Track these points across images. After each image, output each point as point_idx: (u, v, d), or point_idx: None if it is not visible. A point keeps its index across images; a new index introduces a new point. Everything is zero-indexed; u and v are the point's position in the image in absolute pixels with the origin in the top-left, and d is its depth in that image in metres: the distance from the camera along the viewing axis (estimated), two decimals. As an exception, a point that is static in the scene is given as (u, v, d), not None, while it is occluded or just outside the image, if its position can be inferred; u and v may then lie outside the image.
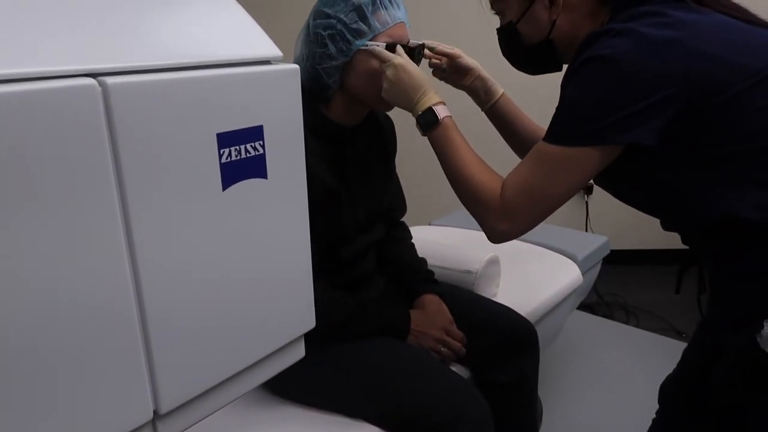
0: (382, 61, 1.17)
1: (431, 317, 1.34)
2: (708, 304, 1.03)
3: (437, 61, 1.33)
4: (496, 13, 1.14)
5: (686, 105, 0.85)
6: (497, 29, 1.15)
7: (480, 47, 2.84)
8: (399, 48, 1.17)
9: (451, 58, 1.32)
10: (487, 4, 1.16)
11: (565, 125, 0.92)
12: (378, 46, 1.17)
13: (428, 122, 1.09)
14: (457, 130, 1.10)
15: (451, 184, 1.09)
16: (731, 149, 0.86)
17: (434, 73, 1.34)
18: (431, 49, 1.31)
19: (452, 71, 1.34)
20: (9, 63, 0.43)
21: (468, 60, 1.32)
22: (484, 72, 1.34)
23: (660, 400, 1.21)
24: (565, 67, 1.02)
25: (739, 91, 0.84)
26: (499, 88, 1.35)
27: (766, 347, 0.87)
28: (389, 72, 1.14)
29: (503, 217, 0.98)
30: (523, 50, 1.11)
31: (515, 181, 0.97)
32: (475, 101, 1.39)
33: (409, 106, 1.13)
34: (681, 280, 1.13)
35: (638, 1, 0.93)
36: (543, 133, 0.97)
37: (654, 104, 0.85)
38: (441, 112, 1.10)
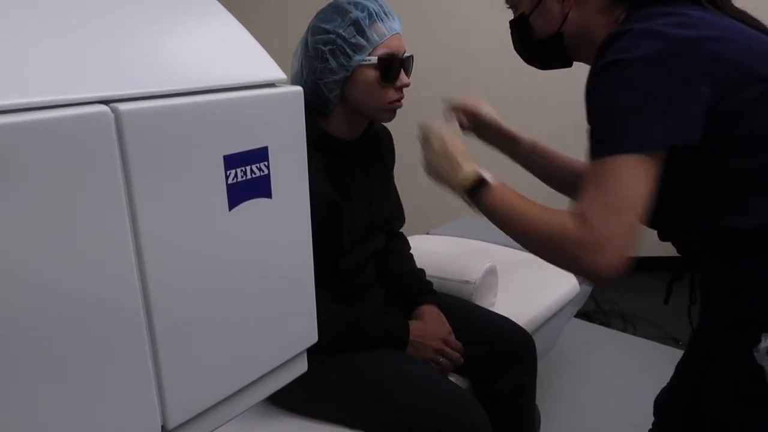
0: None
1: (430, 328, 1.35)
2: (700, 314, 1.04)
3: (462, 120, 1.35)
4: (510, 7, 1.14)
5: (708, 106, 0.84)
6: (510, 21, 1.14)
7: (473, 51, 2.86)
8: (434, 128, 1.18)
9: (471, 113, 1.34)
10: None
11: (603, 137, 0.89)
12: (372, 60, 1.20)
13: (477, 187, 1.04)
14: (507, 188, 1.03)
15: (526, 245, 1.00)
16: (744, 158, 0.86)
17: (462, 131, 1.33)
18: (448, 101, 1.32)
19: (475, 128, 1.35)
20: (24, 92, 0.45)
21: (488, 115, 1.34)
22: (505, 124, 1.34)
23: (655, 414, 1.21)
24: (584, 68, 1.00)
25: (752, 99, 0.84)
26: (525, 136, 1.34)
27: (763, 361, 0.86)
28: (427, 159, 1.17)
29: (599, 247, 0.86)
30: (534, 44, 1.10)
31: (590, 206, 0.87)
32: (505, 154, 1.37)
33: (451, 182, 1.11)
34: (671, 289, 1.14)
35: (654, 0, 0.92)
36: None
37: (685, 103, 0.84)
38: (488, 175, 1.05)
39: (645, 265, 1.14)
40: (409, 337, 1.32)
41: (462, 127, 1.33)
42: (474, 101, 1.35)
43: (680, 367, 1.16)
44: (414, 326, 1.34)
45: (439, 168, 1.12)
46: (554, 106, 2.97)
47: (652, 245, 1.00)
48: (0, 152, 0.42)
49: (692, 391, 1.07)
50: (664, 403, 1.19)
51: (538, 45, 1.09)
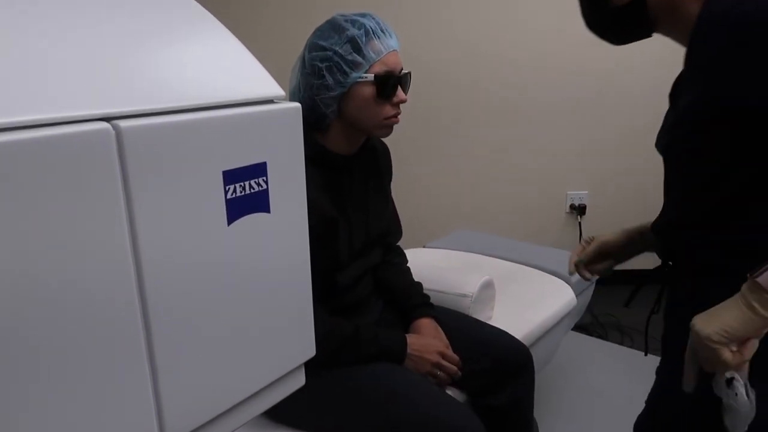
0: None
1: (427, 341, 1.36)
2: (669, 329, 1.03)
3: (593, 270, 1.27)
4: None
5: None
6: None
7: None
8: None
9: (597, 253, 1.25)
10: None
11: None
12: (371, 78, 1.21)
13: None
14: None
15: None
16: None
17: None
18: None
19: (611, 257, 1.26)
20: (26, 110, 0.46)
21: (603, 240, 1.24)
22: (612, 236, 1.24)
23: None
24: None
25: None
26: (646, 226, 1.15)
27: (721, 393, 0.83)
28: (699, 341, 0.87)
29: None
30: (610, 13, 0.99)
31: None
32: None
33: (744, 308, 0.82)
34: (660, 301, 1.13)
35: None
36: None
37: None
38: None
39: (643, 277, 1.14)
40: (407, 351, 1.32)
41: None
42: (591, 244, 1.25)
43: (653, 388, 1.15)
44: (411, 340, 1.34)
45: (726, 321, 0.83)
46: (552, 115, 2.99)
47: (650, 258, 1.01)
48: (2, 169, 0.43)
49: (666, 409, 1.06)
50: (642, 426, 1.17)
51: (614, 14, 0.98)
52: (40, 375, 0.48)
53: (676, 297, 1.01)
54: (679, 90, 0.98)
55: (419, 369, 1.32)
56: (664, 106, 1.03)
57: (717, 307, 0.84)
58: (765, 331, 0.81)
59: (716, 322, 0.82)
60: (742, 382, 0.84)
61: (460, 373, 1.36)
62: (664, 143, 0.96)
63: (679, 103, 0.93)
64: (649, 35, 0.99)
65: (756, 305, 0.79)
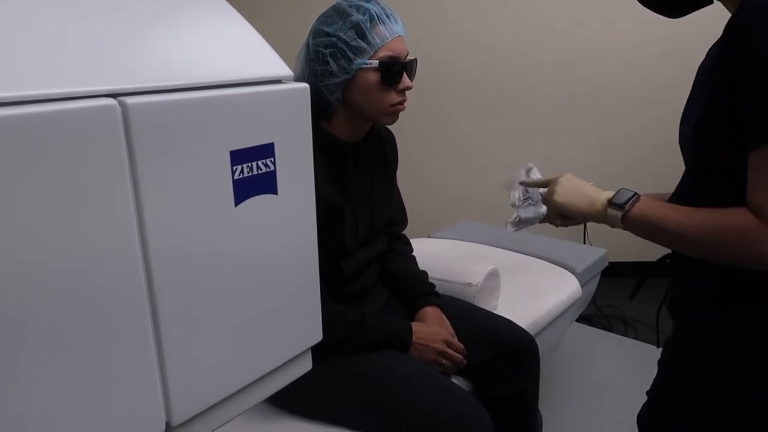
0: (544, 186, 1.15)
1: (432, 330, 1.35)
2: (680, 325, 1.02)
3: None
4: None
5: None
6: None
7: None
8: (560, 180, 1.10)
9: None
10: None
11: None
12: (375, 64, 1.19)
13: (625, 199, 0.95)
14: (656, 199, 0.96)
15: (691, 248, 0.90)
16: None
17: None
18: (525, 183, 1.25)
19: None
20: (32, 84, 0.45)
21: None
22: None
23: (640, 430, 1.19)
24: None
25: None
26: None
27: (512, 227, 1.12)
28: (560, 192, 1.08)
29: None
30: None
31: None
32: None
33: (593, 200, 1.02)
34: (668, 294, 1.12)
35: None
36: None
37: None
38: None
39: (647, 269, 1.13)
40: (412, 339, 1.31)
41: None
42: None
43: (657, 383, 1.14)
44: (417, 328, 1.34)
45: (573, 203, 1.06)
46: (559, 108, 2.97)
47: (654, 250, 0.99)
48: (7, 143, 0.42)
49: (670, 403, 1.05)
50: (646, 420, 1.17)
51: None
52: (45, 358, 0.48)
53: (687, 293, 0.99)
54: (708, 78, 0.91)
55: (424, 357, 1.31)
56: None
57: (580, 189, 1.05)
58: None
59: (571, 202, 1.06)
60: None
61: (465, 362, 1.35)
62: (689, 131, 0.93)
63: (708, 93, 0.88)
64: (710, 2, 0.94)
65: (608, 219, 0.98)
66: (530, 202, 1.23)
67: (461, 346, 1.35)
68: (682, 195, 0.97)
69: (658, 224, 0.91)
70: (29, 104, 0.43)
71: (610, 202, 0.97)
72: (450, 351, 1.33)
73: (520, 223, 1.25)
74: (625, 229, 0.96)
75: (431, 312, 1.41)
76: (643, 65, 2.84)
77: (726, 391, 0.89)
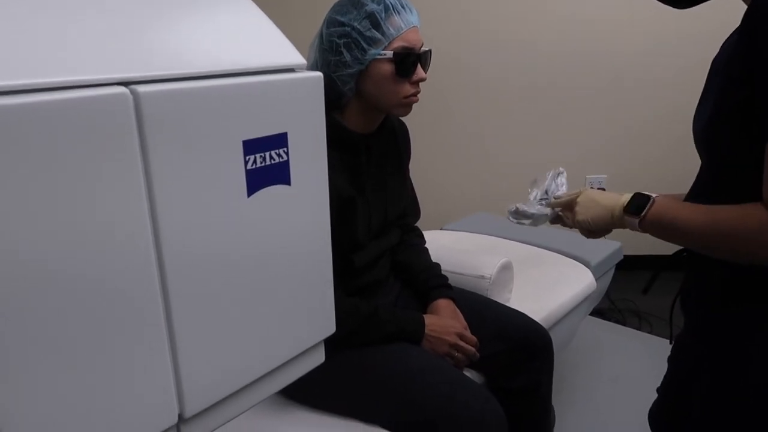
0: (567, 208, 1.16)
1: (445, 322, 1.34)
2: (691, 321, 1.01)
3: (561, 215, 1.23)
4: None
5: None
6: None
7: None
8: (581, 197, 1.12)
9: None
10: None
11: None
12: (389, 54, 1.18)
13: (640, 205, 0.96)
14: (671, 199, 0.96)
15: (710, 247, 0.87)
16: None
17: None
18: (552, 204, 1.23)
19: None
20: (43, 72, 0.44)
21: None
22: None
23: (651, 427, 1.18)
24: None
25: None
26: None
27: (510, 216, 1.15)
28: (581, 209, 1.10)
29: None
30: None
31: None
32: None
33: (610, 211, 1.03)
34: (681, 289, 1.10)
35: None
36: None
37: None
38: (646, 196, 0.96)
39: (662, 263, 1.11)
40: (425, 332, 1.31)
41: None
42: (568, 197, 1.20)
43: (667, 378, 1.13)
44: (429, 320, 1.33)
45: (594, 218, 1.07)
46: (572, 99, 2.95)
47: (669, 243, 0.97)
48: (18, 131, 0.42)
49: (681, 399, 1.04)
50: (657, 416, 1.15)
51: None
52: (56, 351, 0.48)
53: (699, 289, 0.97)
54: (722, 70, 0.89)
55: (437, 350, 1.31)
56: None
57: (597, 203, 1.06)
58: None
59: (592, 218, 1.07)
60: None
61: (478, 355, 1.34)
62: (703, 125, 0.91)
63: (723, 86, 0.87)
64: None
65: (628, 226, 0.99)
66: (543, 204, 1.23)
67: (474, 338, 1.35)
68: (698, 191, 0.95)
69: (671, 224, 0.91)
70: (39, 92, 0.43)
71: (626, 210, 0.98)
72: (462, 343, 1.32)
73: (518, 215, 1.25)
74: (645, 232, 0.97)
75: (444, 304, 1.40)
76: (659, 59, 2.81)
77: (738, 390, 0.87)
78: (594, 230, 1.10)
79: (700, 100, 0.94)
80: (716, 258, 0.87)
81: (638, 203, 0.96)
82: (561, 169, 1.26)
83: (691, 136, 0.94)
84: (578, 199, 1.11)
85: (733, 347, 0.88)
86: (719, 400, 0.91)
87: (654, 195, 0.95)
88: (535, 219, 1.23)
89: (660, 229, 0.94)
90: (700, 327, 0.96)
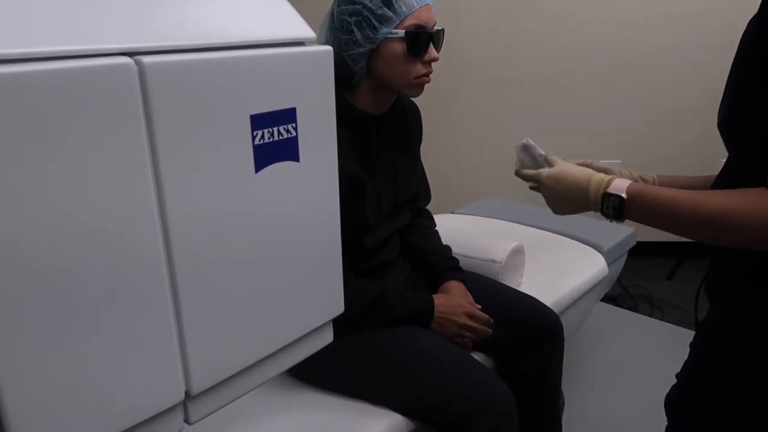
0: (533, 181, 1.08)
1: (455, 302, 1.32)
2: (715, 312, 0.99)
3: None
4: None
5: None
6: None
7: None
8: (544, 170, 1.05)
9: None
10: None
11: None
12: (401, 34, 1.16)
13: (615, 207, 0.90)
14: (653, 187, 0.91)
15: (704, 233, 0.84)
16: None
17: None
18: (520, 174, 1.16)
19: None
20: (49, 41, 0.43)
21: (600, 165, 1.14)
22: (617, 170, 1.15)
23: (668, 413, 1.17)
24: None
25: None
26: (649, 177, 1.14)
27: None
28: (544, 191, 1.03)
29: None
30: None
31: None
32: None
33: (585, 208, 0.97)
34: (708, 275, 1.08)
35: None
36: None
37: None
38: (617, 187, 0.90)
39: (675, 249, 1.09)
40: (434, 313, 1.30)
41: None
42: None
43: (689, 364, 1.11)
44: (438, 301, 1.31)
45: (568, 211, 1.01)
46: (585, 84, 2.91)
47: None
48: (22, 100, 0.41)
49: (705, 386, 1.02)
50: (676, 402, 1.14)
51: None
52: (60, 322, 0.47)
53: (727, 274, 0.95)
54: (742, 55, 0.87)
55: (446, 331, 1.30)
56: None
57: (566, 199, 0.98)
58: None
59: (564, 208, 1.00)
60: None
61: (490, 331, 1.33)
62: (723, 112, 0.89)
63: (742, 70, 0.85)
64: None
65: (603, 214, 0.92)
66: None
67: (485, 316, 1.32)
68: (725, 178, 0.93)
69: (664, 219, 0.86)
70: (40, 61, 0.42)
71: (604, 214, 0.92)
72: (472, 323, 1.30)
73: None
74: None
75: (454, 286, 1.39)
76: (674, 44, 2.76)
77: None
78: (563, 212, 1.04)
79: (725, 87, 0.92)
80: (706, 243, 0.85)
81: (613, 205, 0.89)
82: (526, 140, 1.15)
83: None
84: (543, 192, 1.04)
85: (761, 334, 0.86)
86: (752, 386, 0.89)
87: (624, 194, 0.88)
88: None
89: (648, 223, 0.89)
90: (727, 313, 0.94)
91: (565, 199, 0.99)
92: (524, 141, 1.14)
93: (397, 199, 1.36)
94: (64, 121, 0.43)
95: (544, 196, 1.04)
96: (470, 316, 1.31)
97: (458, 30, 2.74)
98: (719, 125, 0.90)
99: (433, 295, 1.33)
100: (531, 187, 1.12)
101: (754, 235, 0.78)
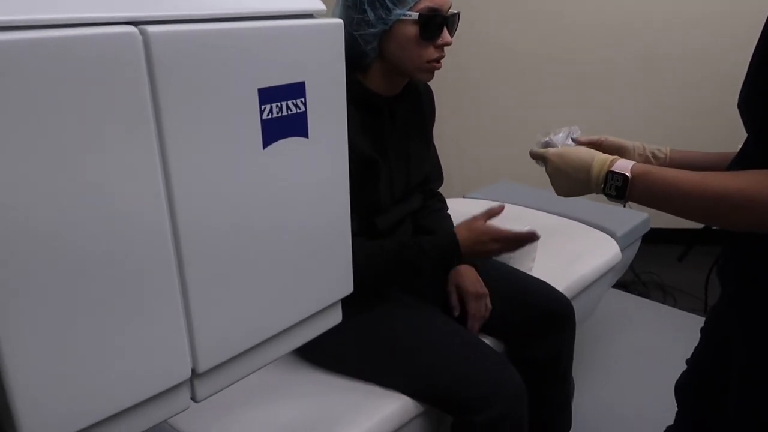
0: (541, 160, 1.06)
1: (476, 235, 1.23)
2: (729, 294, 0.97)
3: None
4: None
5: None
6: None
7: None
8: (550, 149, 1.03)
9: (597, 145, 1.14)
10: None
11: None
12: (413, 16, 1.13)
13: (619, 187, 0.89)
14: (658, 167, 0.89)
15: (703, 219, 0.84)
16: None
17: None
18: (574, 140, 1.16)
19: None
20: (53, 8, 0.42)
21: (613, 140, 1.15)
22: (636, 143, 1.15)
23: (678, 400, 1.15)
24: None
25: None
26: (662, 149, 1.13)
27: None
28: (549, 170, 1.02)
29: None
30: None
31: None
32: None
33: (587, 188, 0.96)
34: (719, 260, 1.06)
35: None
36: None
37: None
38: (621, 166, 0.89)
39: (688, 236, 1.07)
40: (460, 252, 1.22)
41: None
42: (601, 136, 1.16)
43: (699, 350, 1.10)
44: (462, 236, 1.23)
45: (571, 192, 0.99)
46: (599, 69, 2.87)
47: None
48: (20, 68, 0.40)
49: (714, 372, 1.01)
50: (686, 388, 1.12)
51: None
52: (69, 301, 0.47)
53: (741, 258, 0.93)
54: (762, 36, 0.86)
55: (484, 255, 1.24)
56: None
57: (569, 176, 0.96)
58: None
59: (565, 187, 0.98)
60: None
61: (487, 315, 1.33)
62: (743, 94, 0.87)
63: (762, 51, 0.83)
64: None
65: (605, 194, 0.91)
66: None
67: (510, 235, 1.25)
68: (742, 160, 0.91)
69: (667, 199, 0.84)
70: (41, 29, 0.41)
71: (606, 193, 0.90)
72: (499, 244, 1.23)
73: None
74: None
75: (465, 269, 1.37)
76: (691, 29, 2.71)
77: None
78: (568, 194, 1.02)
79: (747, 69, 0.90)
80: (714, 226, 0.82)
81: (616, 185, 0.88)
82: (575, 128, 1.15)
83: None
84: (547, 171, 1.02)
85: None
86: (758, 371, 0.88)
87: (628, 172, 0.87)
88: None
89: (651, 204, 0.87)
90: (738, 297, 0.93)
91: (568, 177, 0.97)
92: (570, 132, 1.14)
93: (409, 181, 1.35)
94: (64, 91, 0.42)
95: (549, 175, 1.02)
96: (495, 240, 1.23)
97: (476, 11, 2.71)
98: (739, 106, 0.89)
99: (455, 229, 1.26)
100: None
101: (757, 216, 0.76)
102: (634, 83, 2.88)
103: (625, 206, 0.94)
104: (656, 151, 1.12)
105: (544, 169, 1.09)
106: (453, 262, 1.24)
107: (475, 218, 1.28)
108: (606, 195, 0.91)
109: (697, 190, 0.81)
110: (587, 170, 0.94)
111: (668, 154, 1.10)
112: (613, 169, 0.89)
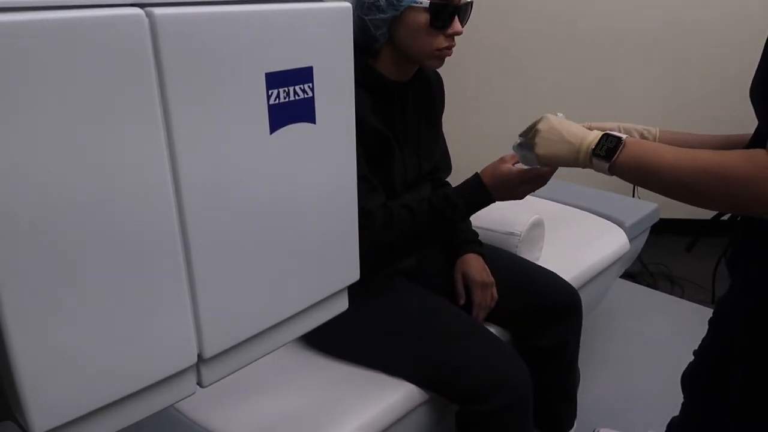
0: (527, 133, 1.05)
1: (502, 178, 1.20)
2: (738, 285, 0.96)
3: None
4: None
5: None
6: None
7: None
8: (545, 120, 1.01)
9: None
10: None
11: None
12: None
13: (611, 148, 0.88)
14: (650, 141, 0.89)
15: (685, 194, 0.83)
16: None
17: None
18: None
19: None
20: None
21: (598, 124, 1.12)
22: (623, 125, 1.14)
23: (684, 389, 1.15)
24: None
25: None
26: (651, 129, 1.13)
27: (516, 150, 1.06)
28: (542, 125, 1.00)
29: None
30: None
31: None
32: None
33: (575, 149, 0.94)
34: (727, 250, 1.05)
35: None
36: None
37: None
38: (618, 134, 0.89)
39: (697, 227, 1.06)
40: (489, 193, 1.20)
41: None
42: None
43: (706, 341, 1.09)
44: (486, 180, 1.21)
45: (555, 154, 0.97)
46: (610, 55, 2.84)
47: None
48: (26, 49, 0.39)
49: (720, 363, 1.00)
50: (692, 379, 1.12)
51: None
52: (76, 286, 0.46)
53: (750, 248, 0.93)
54: None
55: (511, 197, 1.21)
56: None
57: (562, 137, 0.95)
58: None
59: (553, 154, 0.97)
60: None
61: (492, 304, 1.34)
62: (755, 82, 0.85)
63: None
64: None
65: (594, 167, 0.91)
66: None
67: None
68: (752, 147, 0.90)
69: (652, 168, 0.84)
70: (45, 10, 0.40)
71: (594, 153, 0.90)
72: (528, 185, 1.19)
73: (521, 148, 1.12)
74: (614, 175, 0.90)
75: (473, 258, 1.37)
76: (706, 14, 2.68)
77: None
78: (553, 165, 1.03)
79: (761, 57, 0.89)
80: (698, 205, 0.82)
81: (608, 146, 0.88)
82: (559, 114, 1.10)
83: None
84: (539, 126, 1.01)
85: None
86: (763, 362, 0.88)
87: (623, 136, 0.88)
88: (522, 156, 1.13)
89: (635, 174, 0.87)
90: (747, 285, 0.92)
91: (560, 136, 0.96)
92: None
93: (420, 169, 1.34)
94: (69, 74, 0.41)
95: (538, 131, 1.00)
96: (523, 182, 1.18)
97: (483, 3, 2.68)
98: (750, 93, 0.88)
99: (479, 174, 1.24)
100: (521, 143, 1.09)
101: (731, 191, 0.76)
102: (641, 69, 2.85)
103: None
104: (644, 132, 1.11)
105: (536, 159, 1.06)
106: (484, 201, 1.20)
107: (502, 160, 1.25)
108: (594, 155, 0.90)
109: (682, 161, 0.80)
110: (583, 131, 0.94)
111: (657, 135, 1.10)
112: (610, 132, 0.90)
